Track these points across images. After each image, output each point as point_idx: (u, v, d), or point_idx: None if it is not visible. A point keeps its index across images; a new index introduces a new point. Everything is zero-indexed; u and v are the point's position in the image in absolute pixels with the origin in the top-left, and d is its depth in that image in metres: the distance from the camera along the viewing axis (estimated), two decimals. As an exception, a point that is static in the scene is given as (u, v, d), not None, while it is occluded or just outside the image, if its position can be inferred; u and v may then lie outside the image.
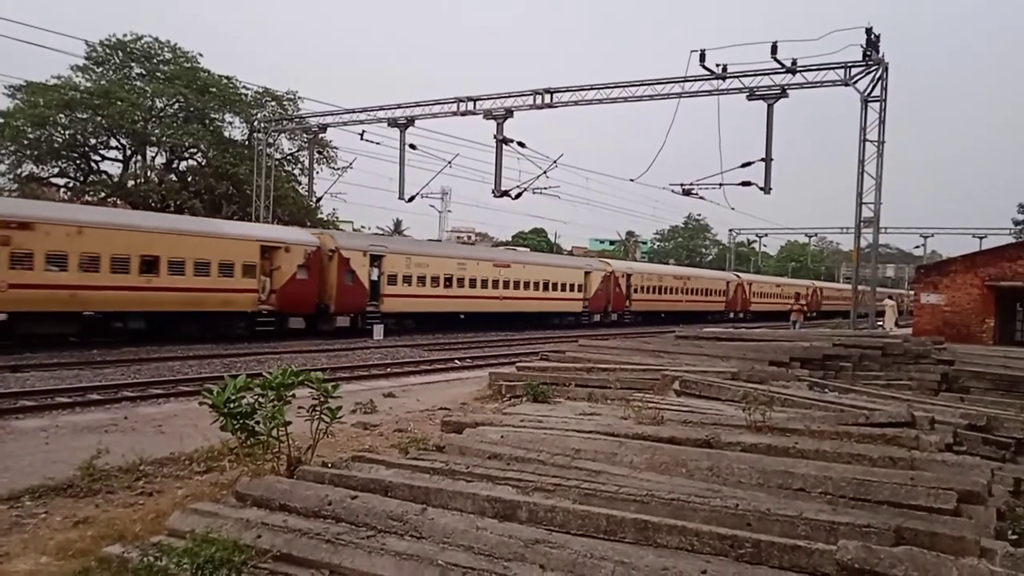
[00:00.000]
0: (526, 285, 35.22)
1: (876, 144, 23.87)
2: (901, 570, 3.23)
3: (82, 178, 40.32)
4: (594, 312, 40.15)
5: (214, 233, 23.14)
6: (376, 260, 27.58)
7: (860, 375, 12.70)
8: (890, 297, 37.35)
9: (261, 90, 42.33)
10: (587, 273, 39.77)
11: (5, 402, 12.07)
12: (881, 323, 31.38)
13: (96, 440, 7.69)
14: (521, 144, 28.28)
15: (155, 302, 21.04)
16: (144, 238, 20.88)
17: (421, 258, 30.07)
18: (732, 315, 53.33)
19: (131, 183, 39.51)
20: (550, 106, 27.78)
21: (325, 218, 46.23)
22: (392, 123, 30.42)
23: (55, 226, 19.08)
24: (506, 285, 33.91)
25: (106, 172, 41.04)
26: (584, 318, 39.52)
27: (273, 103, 42.86)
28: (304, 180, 42.56)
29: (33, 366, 16.22)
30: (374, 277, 27.51)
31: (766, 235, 76.46)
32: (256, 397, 5.67)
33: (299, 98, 42.64)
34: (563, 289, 37.68)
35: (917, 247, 70.36)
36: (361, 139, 32.00)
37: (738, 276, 57.71)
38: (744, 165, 25.29)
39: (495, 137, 28.36)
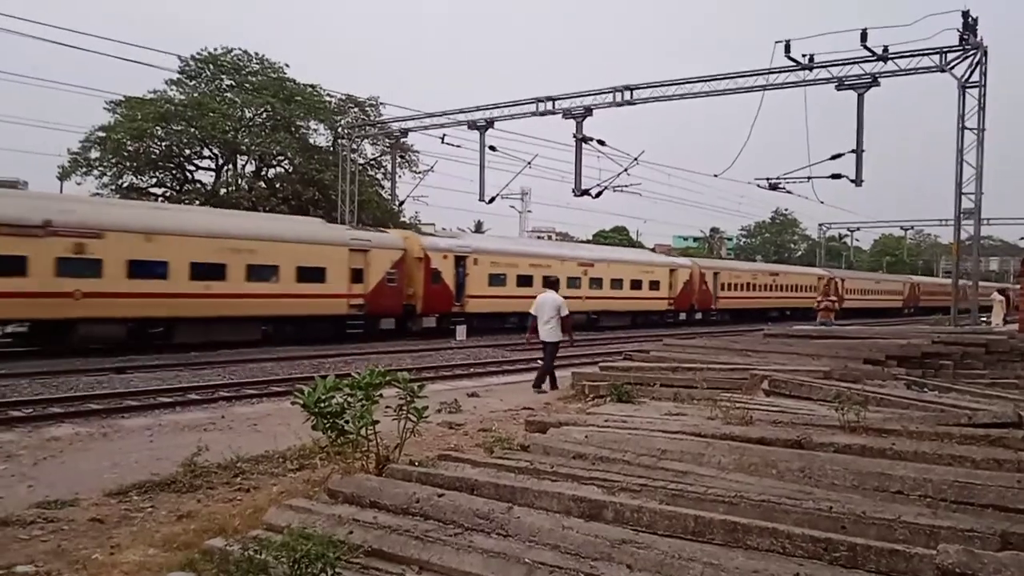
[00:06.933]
0: (208, 271, 21.58)
1: (976, 132, 22.78)
2: (1007, 576, 3.08)
3: (178, 187, 42.16)
4: (378, 314, 26.55)
5: None
6: None
7: (962, 374, 12.13)
8: (999, 291, 35.10)
9: (344, 97, 43.39)
10: (357, 251, 25.75)
11: (112, 402, 12.75)
12: (986, 319, 29.89)
13: (196, 438, 8.02)
14: (601, 142, 28.11)
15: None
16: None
17: None
18: (684, 316, 40.68)
19: (223, 191, 41.09)
20: (630, 103, 27.51)
21: (408, 221, 47.03)
22: (472, 125, 30.67)
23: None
24: (147, 272, 20.49)
25: (199, 181, 42.82)
26: (354, 325, 25.77)
27: (356, 109, 43.87)
28: (387, 184, 43.42)
29: (136, 367, 17.07)
30: None
31: (858, 229, 73.81)
32: (345, 397, 5.80)
33: (381, 104, 43.54)
34: (305, 279, 23.91)
35: (1023, 238, 66.89)
36: (442, 142, 32.38)
37: (695, 262, 44.95)
38: (834, 157, 24.45)
39: (574, 136, 28.26)
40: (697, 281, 42.03)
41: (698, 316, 42.39)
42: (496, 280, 30.65)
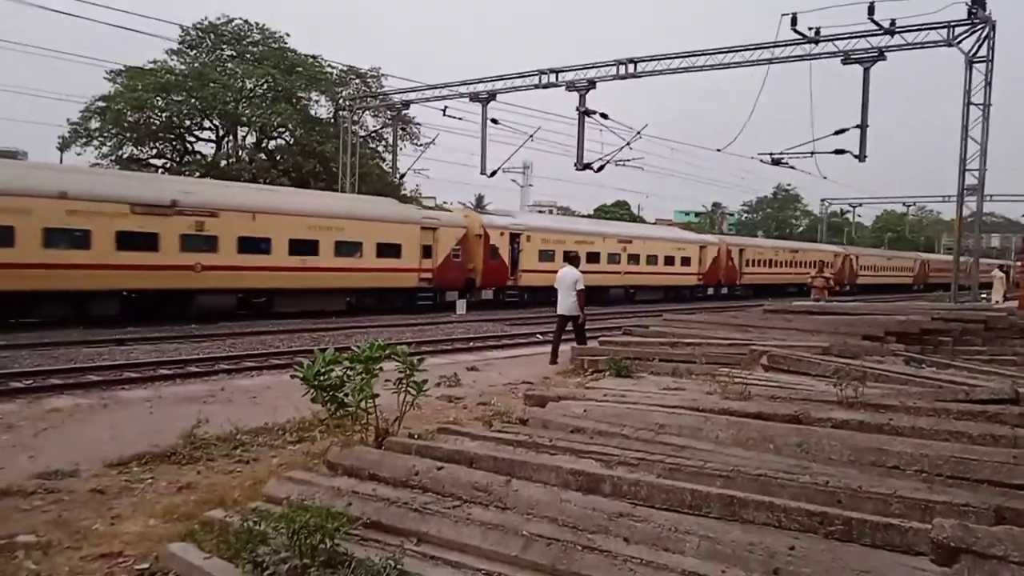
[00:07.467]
0: (304, 247, 23.42)
1: (981, 107, 22.61)
2: (1000, 550, 3.08)
3: (178, 159, 41.96)
4: (444, 287, 28.38)
5: None
6: None
7: (960, 350, 12.15)
8: (1000, 268, 34.82)
9: (346, 68, 43.03)
10: (427, 229, 27.60)
11: (112, 374, 12.77)
12: (986, 295, 29.88)
13: (196, 410, 8.04)
14: (604, 116, 27.88)
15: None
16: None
17: None
18: (711, 291, 42.75)
19: (223, 163, 40.90)
20: (634, 76, 27.28)
21: (408, 194, 46.87)
22: (474, 98, 30.42)
23: None
24: None
25: (200, 152, 42.60)
26: (424, 297, 27.75)
27: (357, 81, 43.53)
28: (388, 157, 43.21)
29: (136, 339, 17.10)
30: None
31: (860, 205, 73.40)
32: (345, 370, 5.81)
33: (382, 75, 43.20)
34: (383, 255, 25.96)
35: (1025, 215, 66.53)
36: (443, 115, 32.17)
37: (722, 239, 46.50)
38: (838, 132, 24.29)
39: (577, 109, 28.04)
40: (724, 257, 43.24)
41: (724, 291, 43.57)
42: (545, 256, 31.78)
